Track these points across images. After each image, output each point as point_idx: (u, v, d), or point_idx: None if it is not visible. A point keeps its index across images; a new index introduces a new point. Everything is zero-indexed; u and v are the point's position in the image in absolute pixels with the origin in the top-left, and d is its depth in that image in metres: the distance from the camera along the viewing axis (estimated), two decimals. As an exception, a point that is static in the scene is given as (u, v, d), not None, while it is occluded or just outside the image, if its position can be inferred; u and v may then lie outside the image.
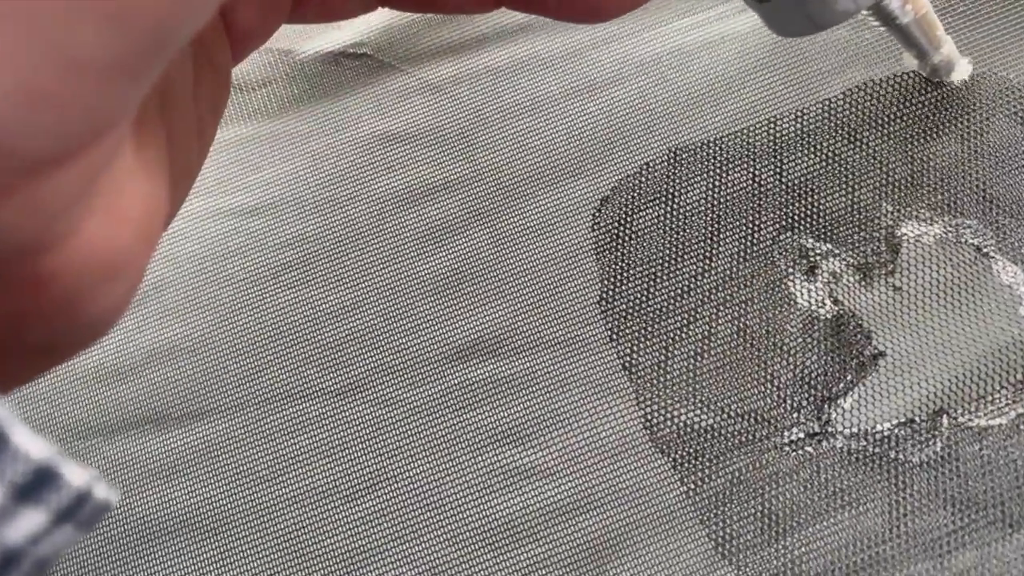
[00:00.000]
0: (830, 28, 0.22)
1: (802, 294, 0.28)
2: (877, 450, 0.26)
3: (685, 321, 0.28)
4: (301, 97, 0.33)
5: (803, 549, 0.25)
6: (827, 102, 0.30)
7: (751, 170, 0.29)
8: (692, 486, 0.26)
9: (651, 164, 0.30)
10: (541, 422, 0.27)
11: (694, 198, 0.29)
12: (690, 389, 0.27)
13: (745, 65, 0.31)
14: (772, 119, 0.30)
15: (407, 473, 0.27)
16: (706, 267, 0.28)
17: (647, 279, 0.29)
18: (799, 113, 0.30)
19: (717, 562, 0.25)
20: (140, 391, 0.29)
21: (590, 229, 0.29)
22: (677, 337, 0.28)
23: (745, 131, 0.30)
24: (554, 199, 0.30)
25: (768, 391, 0.27)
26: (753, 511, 0.26)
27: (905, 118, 0.29)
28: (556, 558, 0.26)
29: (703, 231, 0.29)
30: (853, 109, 0.30)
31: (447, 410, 0.28)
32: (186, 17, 0.11)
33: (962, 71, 0.28)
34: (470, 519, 0.27)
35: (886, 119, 0.29)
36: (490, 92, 0.32)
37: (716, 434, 0.26)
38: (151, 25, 0.11)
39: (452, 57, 0.33)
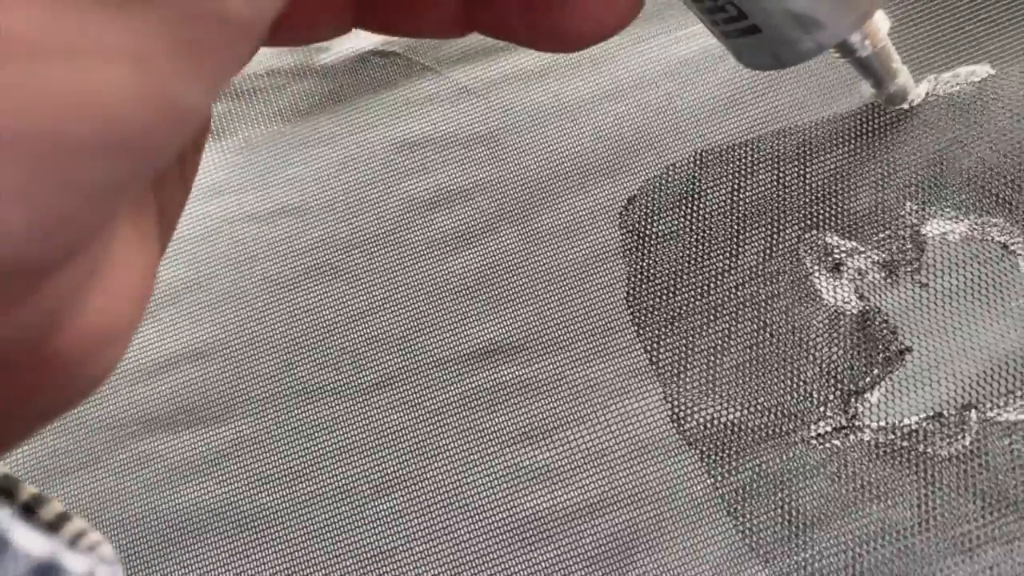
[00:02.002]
0: (794, 65, 0.23)
1: (828, 290, 0.28)
2: (905, 444, 0.26)
3: (710, 317, 0.28)
4: (331, 98, 0.33)
5: (831, 541, 0.25)
6: (851, 106, 0.30)
7: (775, 172, 0.30)
8: (719, 478, 0.26)
9: (677, 165, 0.30)
10: (567, 421, 0.27)
11: (719, 198, 0.30)
12: (716, 384, 0.27)
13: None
14: (796, 125, 0.30)
15: (433, 472, 0.27)
16: (731, 264, 0.29)
17: (673, 276, 0.29)
18: (823, 118, 0.30)
19: (744, 554, 0.25)
20: (172, 390, 0.29)
21: (617, 229, 0.30)
22: (703, 333, 0.28)
23: (770, 135, 0.30)
24: (582, 201, 0.30)
25: (794, 386, 0.27)
26: (780, 503, 0.25)
27: (924, 122, 0.29)
28: (583, 553, 0.26)
29: (728, 230, 0.29)
30: (876, 112, 0.30)
31: (474, 409, 0.28)
32: (186, 131, 0.12)
33: (916, 95, 0.30)
34: (495, 518, 0.26)
35: (905, 123, 0.29)
36: (520, 95, 0.32)
37: (743, 428, 0.26)
38: (152, 149, 0.11)
39: (483, 60, 0.33)
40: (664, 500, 0.26)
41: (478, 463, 0.27)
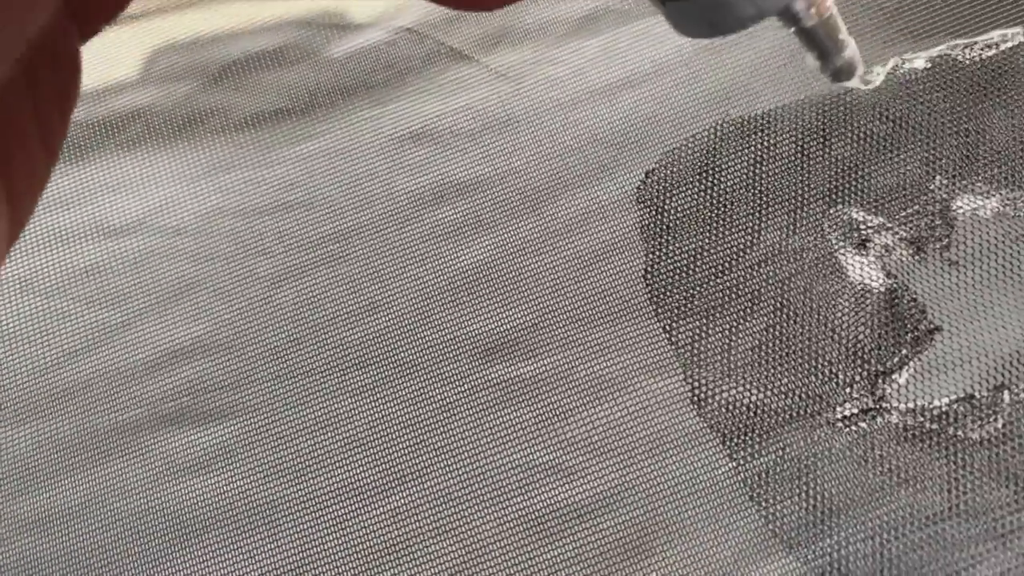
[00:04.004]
0: (732, 34, 0.22)
1: (853, 267, 0.27)
2: (935, 426, 0.25)
3: (732, 295, 0.27)
4: (341, 88, 0.32)
5: (857, 527, 0.24)
6: (877, 72, 0.29)
7: (798, 144, 0.29)
8: (741, 463, 0.25)
9: (696, 136, 0.29)
10: (583, 412, 0.27)
11: (740, 171, 0.29)
12: (737, 364, 0.26)
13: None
14: (820, 95, 0.29)
15: (446, 465, 0.26)
16: (753, 240, 0.28)
17: (692, 252, 0.28)
18: (846, 89, 0.29)
19: (768, 539, 0.24)
20: (179, 384, 0.28)
21: (633, 216, 0.29)
22: (724, 311, 0.27)
23: (792, 106, 0.29)
24: (598, 189, 0.29)
25: (819, 366, 0.26)
26: (805, 488, 0.25)
27: (955, 91, 0.28)
28: (603, 543, 0.25)
29: (750, 204, 0.28)
30: (902, 83, 0.29)
31: (487, 402, 0.27)
32: None
33: (869, 75, 0.28)
34: (511, 511, 0.26)
35: (935, 92, 0.28)
36: (535, 83, 0.31)
37: (765, 410, 0.26)
38: None
39: (501, 47, 0.32)
40: (685, 485, 0.25)
41: (492, 456, 0.26)
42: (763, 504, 0.25)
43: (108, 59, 0.34)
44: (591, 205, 0.29)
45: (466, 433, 0.27)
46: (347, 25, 0.33)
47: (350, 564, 0.26)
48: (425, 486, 0.26)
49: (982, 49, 0.29)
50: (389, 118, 0.31)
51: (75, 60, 0.15)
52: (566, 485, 0.26)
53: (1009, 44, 0.28)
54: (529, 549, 0.25)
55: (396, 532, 0.26)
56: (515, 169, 0.30)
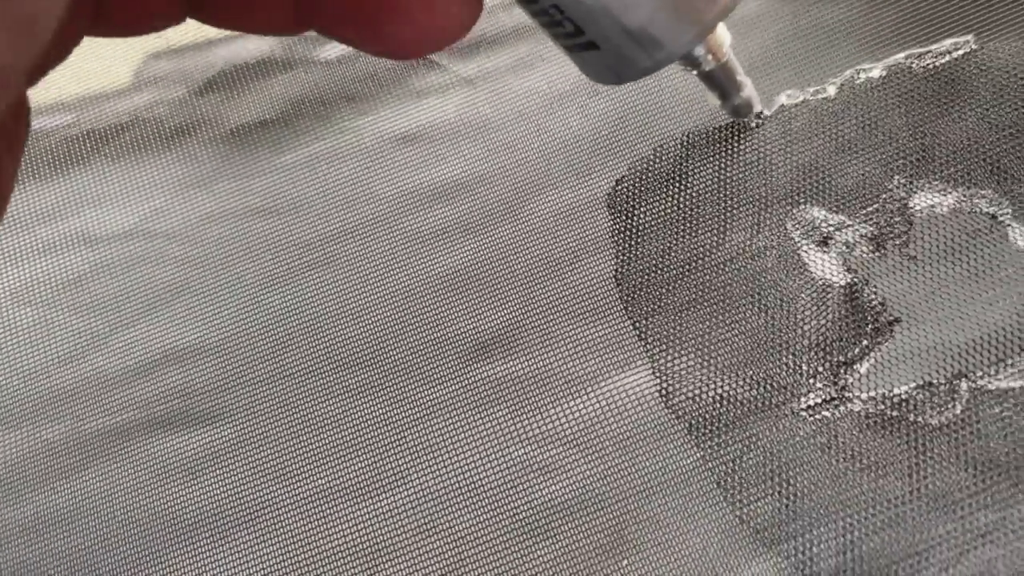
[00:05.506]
0: (631, 82, 0.24)
1: (816, 264, 0.28)
2: (896, 413, 0.25)
3: (700, 293, 0.28)
4: (325, 91, 0.34)
5: (821, 511, 0.25)
6: (833, 82, 0.30)
7: (761, 151, 0.30)
8: (708, 452, 0.26)
9: (665, 145, 0.30)
10: (560, 413, 0.27)
11: (706, 178, 0.30)
12: (705, 358, 0.27)
13: (761, 47, 0.31)
14: (781, 104, 0.30)
15: (428, 468, 0.27)
16: (719, 240, 0.29)
17: (661, 254, 0.29)
18: (806, 97, 0.30)
19: (735, 525, 0.25)
20: (168, 388, 0.29)
21: (606, 216, 0.30)
22: (692, 308, 0.28)
23: (755, 115, 0.30)
24: (577, 191, 0.30)
25: (783, 358, 0.27)
26: (771, 475, 0.25)
27: (911, 97, 0.29)
28: (580, 543, 0.25)
29: (716, 207, 0.29)
30: (859, 91, 0.30)
31: (466, 407, 0.28)
32: None
33: (758, 109, 0.30)
34: (494, 512, 0.26)
35: (892, 99, 0.29)
36: (513, 85, 0.33)
37: (732, 401, 0.26)
38: None
39: (480, 51, 0.33)
40: (655, 476, 0.26)
41: (475, 455, 0.27)
42: (730, 492, 0.25)
43: (92, 69, 0.35)
44: (565, 208, 0.30)
45: (450, 432, 0.27)
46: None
47: (338, 565, 0.26)
48: (411, 486, 0.27)
49: (935, 57, 0.30)
50: (370, 126, 0.33)
51: (22, 106, 0.16)
52: (546, 481, 0.26)
53: (960, 51, 0.30)
54: (514, 547, 0.26)
55: (382, 533, 0.26)
56: (491, 174, 0.31)
